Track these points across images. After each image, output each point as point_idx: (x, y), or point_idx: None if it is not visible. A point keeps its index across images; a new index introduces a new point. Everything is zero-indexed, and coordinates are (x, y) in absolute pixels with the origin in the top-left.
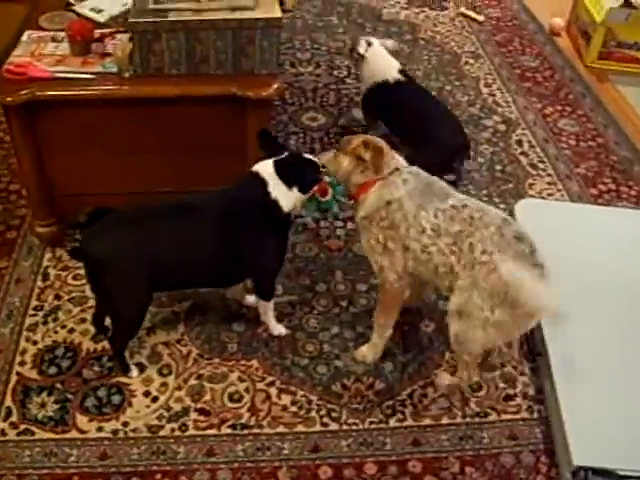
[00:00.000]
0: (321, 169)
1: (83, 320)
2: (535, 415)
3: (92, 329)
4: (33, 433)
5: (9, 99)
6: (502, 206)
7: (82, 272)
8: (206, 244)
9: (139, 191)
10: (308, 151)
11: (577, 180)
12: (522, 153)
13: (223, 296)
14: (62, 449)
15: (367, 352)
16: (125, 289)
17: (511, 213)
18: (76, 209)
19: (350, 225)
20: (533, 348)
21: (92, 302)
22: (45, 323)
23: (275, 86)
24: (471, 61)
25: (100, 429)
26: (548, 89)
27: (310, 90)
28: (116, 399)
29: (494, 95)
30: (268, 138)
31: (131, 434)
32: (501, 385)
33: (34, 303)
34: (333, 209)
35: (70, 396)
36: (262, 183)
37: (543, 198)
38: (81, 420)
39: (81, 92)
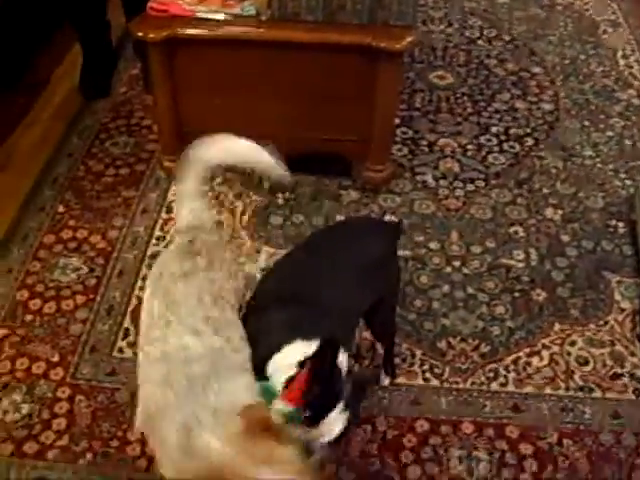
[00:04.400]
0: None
1: None
2: None
3: None
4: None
5: (151, 35)
6: (628, 182)
7: None
8: None
9: (265, 134)
10: (434, 109)
11: None
12: None
13: None
14: None
15: None
16: None
17: (637, 190)
18: None
19: (470, 187)
20: None
21: None
22: None
23: (409, 39)
24: (610, 30)
25: None
26: None
27: (440, 49)
28: None
29: (631, 67)
30: None
31: None
32: (609, 363)
33: (157, 233)
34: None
35: None
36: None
37: None
38: None
39: (219, 32)
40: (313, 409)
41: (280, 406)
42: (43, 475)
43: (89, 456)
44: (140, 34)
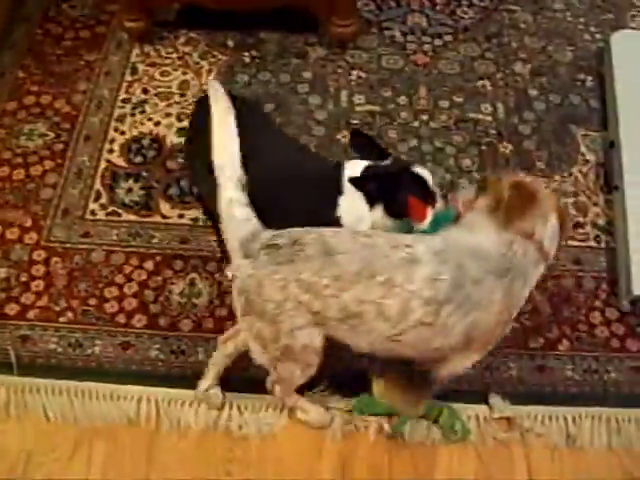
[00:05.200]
0: (433, 189)
1: (168, 114)
2: (602, 245)
3: (177, 123)
4: (120, 215)
5: None
6: (598, 36)
7: (169, 69)
8: None
9: None
10: None
11: None
12: None
13: None
14: (146, 231)
15: None
16: None
17: (607, 44)
18: (165, 5)
19: (438, 41)
20: (610, 181)
21: (177, 98)
22: (132, 115)
23: None
24: None
25: (181, 216)
26: None
27: None
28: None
29: None
30: (361, 138)
31: (209, 223)
32: (572, 212)
33: (122, 95)
34: None
35: (154, 184)
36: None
37: None
38: (164, 206)
39: None
40: (427, 194)
41: (428, 227)
42: (27, 334)
43: (69, 314)
44: None
